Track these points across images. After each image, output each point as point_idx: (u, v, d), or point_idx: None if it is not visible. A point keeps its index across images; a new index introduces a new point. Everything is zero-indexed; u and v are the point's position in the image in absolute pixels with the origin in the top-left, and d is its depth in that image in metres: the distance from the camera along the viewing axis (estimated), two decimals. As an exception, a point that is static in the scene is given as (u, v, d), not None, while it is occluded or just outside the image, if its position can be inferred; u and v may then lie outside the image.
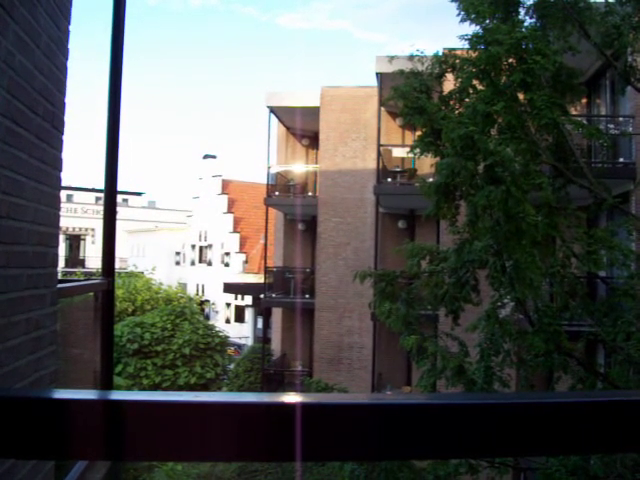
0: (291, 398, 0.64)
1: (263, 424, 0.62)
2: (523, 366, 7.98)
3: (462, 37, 7.77)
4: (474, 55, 7.61)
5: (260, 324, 30.10)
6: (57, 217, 2.91)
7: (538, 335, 7.24)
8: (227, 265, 37.36)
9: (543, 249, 7.27)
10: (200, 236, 40.81)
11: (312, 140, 21.86)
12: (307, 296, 19.40)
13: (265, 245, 21.70)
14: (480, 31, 7.70)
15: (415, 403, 0.67)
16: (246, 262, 36.27)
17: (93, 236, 48.92)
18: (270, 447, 0.63)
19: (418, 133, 9.12)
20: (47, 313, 2.74)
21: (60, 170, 2.90)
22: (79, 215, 49.76)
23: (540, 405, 0.66)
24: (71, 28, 3.01)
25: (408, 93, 8.31)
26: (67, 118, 2.98)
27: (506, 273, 7.25)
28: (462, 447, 0.65)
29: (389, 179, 17.61)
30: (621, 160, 12.19)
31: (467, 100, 7.87)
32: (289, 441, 0.61)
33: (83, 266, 43.85)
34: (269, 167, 20.30)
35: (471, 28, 7.98)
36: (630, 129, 11.73)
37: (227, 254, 37.62)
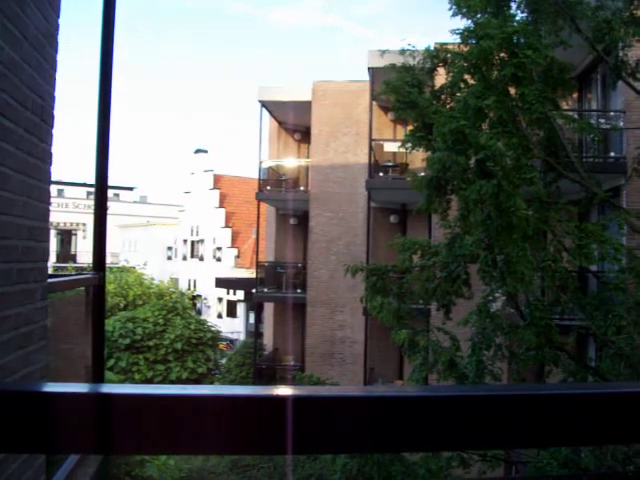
0: (282, 391, 0.63)
1: (254, 417, 0.62)
2: (514, 360, 8.01)
3: (453, 31, 7.76)
4: (465, 50, 7.61)
5: (252, 319, 30.09)
6: (47, 211, 2.89)
7: (529, 329, 7.27)
8: (219, 260, 37.32)
9: (534, 243, 7.28)
10: (192, 231, 40.74)
11: (304, 135, 21.81)
12: (299, 291, 19.40)
13: (257, 240, 21.64)
14: (471, 25, 7.70)
15: (407, 395, 0.66)
16: (238, 257, 36.23)
17: (84, 231, 48.76)
18: (262, 440, 0.62)
19: (410, 127, 9.11)
20: (37, 308, 2.72)
21: (50, 164, 2.88)
22: (70, 210, 49.59)
23: (531, 397, 0.66)
24: (61, 22, 2.99)
25: (400, 87, 8.31)
26: (58, 112, 2.96)
27: (497, 267, 7.27)
28: (454, 440, 0.65)
29: (381, 173, 17.60)
30: (612, 155, 12.23)
31: (458, 94, 7.87)
32: (281, 434, 0.61)
33: (74, 261, 43.59)
34: (261, 162, 20.26)
35: (462, 22, 8.00)
36: (621, 124, 11.78)
37: (219, 249, 37.57)
